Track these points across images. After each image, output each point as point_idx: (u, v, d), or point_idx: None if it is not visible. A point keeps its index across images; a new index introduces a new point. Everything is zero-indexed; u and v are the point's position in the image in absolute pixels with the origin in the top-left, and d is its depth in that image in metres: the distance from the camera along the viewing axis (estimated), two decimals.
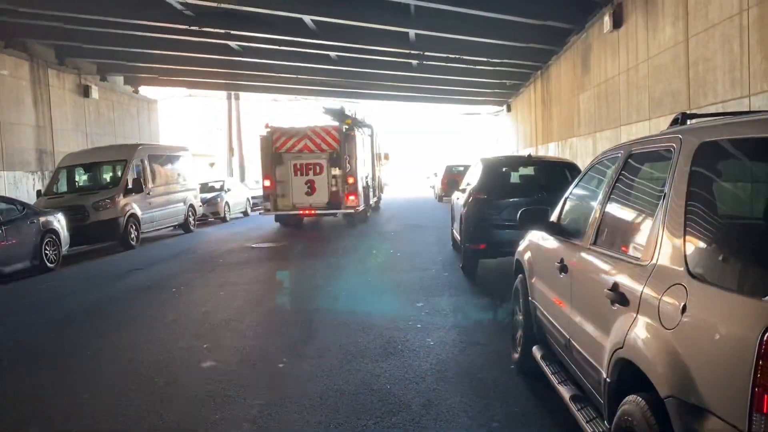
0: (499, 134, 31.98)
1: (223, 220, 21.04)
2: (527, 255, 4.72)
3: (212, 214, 20.92)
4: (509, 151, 27.06)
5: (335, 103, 18.96)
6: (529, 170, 9.81)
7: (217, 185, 22.99)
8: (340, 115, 16.01)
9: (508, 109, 26.56)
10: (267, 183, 14.73)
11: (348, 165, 14.63)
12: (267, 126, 14.64)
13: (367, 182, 16.89)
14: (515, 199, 8.23)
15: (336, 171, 14.54)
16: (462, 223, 8.74)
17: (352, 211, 14.88)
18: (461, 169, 26.98)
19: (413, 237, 13.72)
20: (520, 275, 4.84)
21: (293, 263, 10.56)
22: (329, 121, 15.83)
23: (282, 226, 16.83)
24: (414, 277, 8.80)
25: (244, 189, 24.67)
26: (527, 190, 8.46)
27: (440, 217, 18.36)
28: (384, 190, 25.71)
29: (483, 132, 59.06)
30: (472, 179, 9.49)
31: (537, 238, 4.56)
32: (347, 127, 14.63)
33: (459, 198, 9.90)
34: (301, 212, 14.91)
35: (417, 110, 38.84)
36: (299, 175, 14.59)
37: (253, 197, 25.99)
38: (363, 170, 16.20)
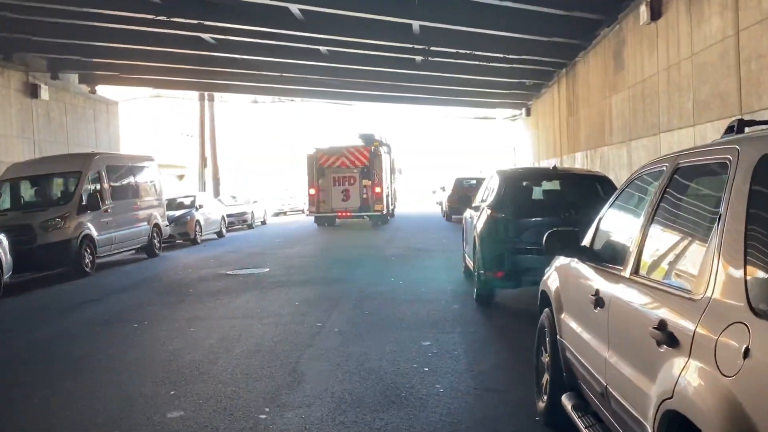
0: (517, 142, 32.18)
1: (194, 242, 21.07)
2: (555, 285, 4.69)
3: (181, 235, 20.93)
4: (529, 162, 27.18)
5: (367, 130, 28.48)
6: (554, 184, 9.83)
7: (187, 201, 23.04)
8: (370, 138, 26.12)
9: (528, 113, 26.73)
10: (312, 191, 24.21)
11: (375, 178, 23.69)
12: (314, 148, 23.83)
13: (388, 192, 26.17)
14: (538, 219, 8.25)
15: (366, 182, 23.24)
16: (476, 247, 8.73)
17: (379, 213, 24.20)
18: (473, 182, 27.03)
19: (418, 262, 13.76)
20: (546, 309, 4.82)
21: (276, 293, 10.53)
22: (360, 142, 25.76)
23: (262, 250, 17.79)
24: (419, 309, 8.78)
25: (218, 206, 24.72)
26: (552, 208, 8.49)
27: (449, 238, 18.37)
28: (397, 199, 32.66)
29: (498, 140, 59.45)
30: (487, 195, 9.50)
31: (566, 265, 4.54)
32: (375, 147, 23.71)
33: (472, 217, 9.92)
34: (339, 214, 24.14)
35: (420, 115, 39.12)
36: (337, 185, 23.63)
37: (229, 215, 26.03)
38: (386, 182, 25.40)
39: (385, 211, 25.27)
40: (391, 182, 28.47)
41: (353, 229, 24.35)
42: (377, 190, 25.14)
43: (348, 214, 25.19)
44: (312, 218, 25.14)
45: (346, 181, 25.33)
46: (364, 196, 25.15)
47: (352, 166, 25.41)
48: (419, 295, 9.88)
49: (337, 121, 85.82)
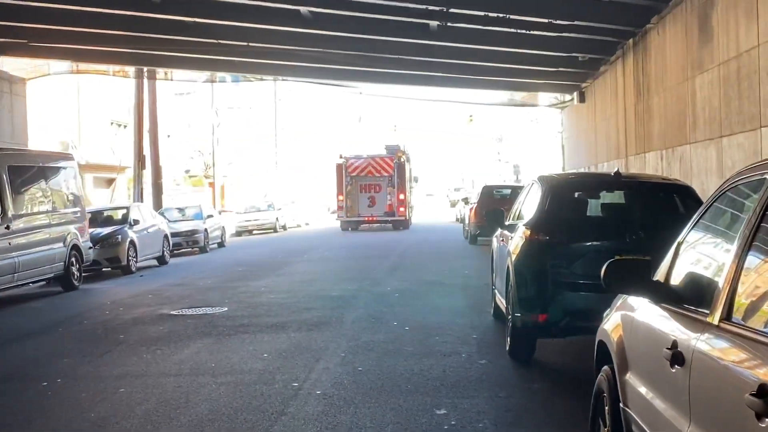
0: (567, 139, 32.31)
1: (127, 270, 21.12)
2: (617, 334, 4.69)
3: (109, 260, 20.98)
4: (582, 165, 27.25)
5: (393, 142, 42.00)
6: (616, 196, 9.84)
7: (118, 215, 23.09)
8: (394, 148, 38.35)
9: (581, 99, 26.85)
10: (340, 197, 35.75)
11: (399, 185, 35.44)
12: (341, 156, 35.04)
13: (409, 199, 37.90)
14: (595, 244, 8.28)
15: (390, 190, 34.24)
16: (509, 280, 8.74)
17: (402, 218, 35.68)
18: (507, 192, 27.12)
19: (431, 301, 13.76)
20: (606, 367, 4.82)
21: (237, 341, 10.53)
22: (385, 152, 37.80)
23: (218, 283, 17.90)
24: (432, 366, 8.78)
25: (159, 221, 24.79)
26: (615, 228, 8.52)
27: (474, 268, 18.37)
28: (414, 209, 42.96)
29: (540, 135, 59.85)
30: (525, 210, 9.51)
31: (633, 307, 4.54)
32: (399, 157, 35.87)
33: (504, 239, 9.93)
34: (366, 218, 35.39)
35: (436, 102, 39.11)
36: (363, 192, 34.71)
37: (174, 234, 26.11)
38: (408, 190, 37.57)
39: (407, 216, 38.48)
40: (410, 191, 40.03)
41: (346, 253, 24.38)
42: (401, 197, 37.41)
43: (373, 218, 37.40)
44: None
45: (372, 189, 37.36)
46: (389, 202, 37.27)
47: (378, 174, 37.38)
48: (432, 345, 9.86)
49: (333, 108, 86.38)
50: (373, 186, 37.45)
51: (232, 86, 67.51)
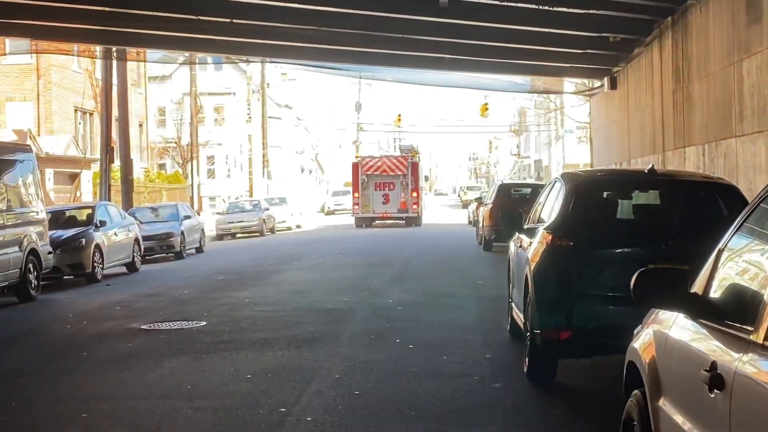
0: (596, 130, 32.29)
1: (92, 278, 21.12)
2: (649, 354, 4.69)
3: (71, 267, 20.98)
4: (613, 161, 27.22)
5: (408, 141, 63.56)
6: (651, 197, 9.84)
7: (83, 215, 23.08)
8: (409, 148, 56.91)
9: (612, 85, 26.84)
10: (356, 195, 44.20)
11: (413, 184, 44.53)
12: (357, 156, 50.66)
13: (421, 196, 46.51)
14: (626, 250, 8.29)
15: (404, 187, 43.18)
16: (528, 292, 8.74)
17: (416, 215, 44.17)
18: (526, 192, 27.11)
19: (439, 316, 13.76)
20: (636, 392, 4.82)
21: (218, 360, 10.53)
22: (398, 152, 58.09)
23: (196, 293, 17.99)
24: (440, 389, 8.78)
25: (129, 223, 24.80)
26: (648, 233, 8.54)
27: (488, 278, 18.35)
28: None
29: (565, 127, 59.78)
30: (547, 212, 9.51)
31: (667, 323, 4.54)
32: (413, 157, 47.17)
33: (523, 245, 9.95)
34: (381, 215, 43.86)
35: (445, 86, 39.04)
36: (378, 190, 43.27)
37: (146, 238, 26.12)
38: (420, 188, 47.09)
39: (419, 214, 46.19)
40: (422, 190, 48.79)
41: (342, 260, 24.38)
42: (414, 195, 45.42)
43: (387, 215, 45.22)
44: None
45: (386, 187, 44.90)
46: (403, 200, 44.91)
47: (392, 172, 45.18)
48: (439, 366, 9.87)
49: (330, 95, 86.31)
50: (387, 184, 44.88)
51: (215, 71, 67.76)
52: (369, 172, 44.82)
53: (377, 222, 45.39)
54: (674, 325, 4.42)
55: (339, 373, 9.61)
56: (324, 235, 40.91)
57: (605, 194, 9.38)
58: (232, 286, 18.68)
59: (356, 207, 45.00)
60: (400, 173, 45.08)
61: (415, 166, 46.01)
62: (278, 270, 22.18)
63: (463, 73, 29.65)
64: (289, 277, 20.39)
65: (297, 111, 78.98)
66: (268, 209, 43.66)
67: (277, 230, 44.59)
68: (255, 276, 20.80)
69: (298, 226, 49.61)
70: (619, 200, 9.51)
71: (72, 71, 41.24)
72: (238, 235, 41.30)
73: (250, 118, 61.08)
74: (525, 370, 9.05)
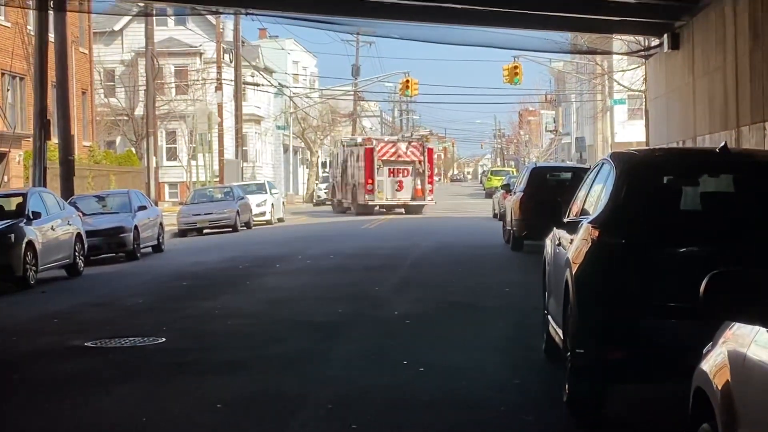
0: (653, 100, 32.21)
1: (23, 282, 21.04)
2: (722, 379, 4.66)
3: None
4: (674, 138, 27.17)
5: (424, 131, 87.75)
6: (722, 183, 9.78)
7: (11, 204, 23.01)
8: (423, 134, 70.55)
9: (673, 44, 26.81)
10: (370, 182, 51.68)
11: (428, 170, 54.30)
12: (369, 140, 54.59)
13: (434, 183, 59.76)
14: (692, 248, 8.30)
15: (418, 174, 52.44)
16: (569, 301, 8.71)
17: (433, 202, 54.97)
18: (566, 177, 27.04)
19: (455, 330, 13.74)
20: (706, 426, 4.80)
21: (179, 385, 10.51)
22: (411, 137, 60.76)
23: (153, 302, 18.20)
24: (458, 424, 8.78)
25: (70, 215, 24.75)
26: (720, 227, 8.51)
27: (518, 285, 18.35)
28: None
29: (614, 96, 59.73)
30: (592, 201, 9.47)
31: (745, 340, 4.50)
32: (426, 142, 57.07)
33: (562, 243, 9.93)
34: (395, 202, 53.08)
35: (464, 44, 38.88)
36: (391, 177, 52.16)
37: (90, 233, 26.05)
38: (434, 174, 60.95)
39: (434, 201, 55.60)
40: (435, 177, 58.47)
41: (336, 261, 24.35)
42: (429, 181, 54.05)
43: (400, 202, 53.23)
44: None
45: (400, 173, 52.70)
46: (419, 187, 52.82)
47: (406, 158, 52.93)
48: (456, 394, 9.84)
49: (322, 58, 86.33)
50: (400, 171, 52.89)
51: (176, 26, 67.75)
52: (384, 158, 52.50)
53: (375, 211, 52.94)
54: (754, 344, 4.39)
55: (331, 403, 9.59)
56: (313, 230, 40.93)
57: (665, 179, 9.33)
58: (197, 294, 18.66)
59: (369, 194, 51.96)
60: (415, 159, 53.13)
61: (430, 153, 55.02)
62: (255, 274, 22.18)
63: (488, 28, 29.58)
64: (269, 283, 20.38)
65: (279, 77, 79.02)
66: (243, 198, 43.63)
67: (255, 224, 44.61)
68: (226, 281, 20.80)
69: (281, 220, 49.65)
70: (683, 187, 9.44)
71: None
72: (205, 231, 41.29)
73: (220, 84, 61.08)
74: (564, 398, 9.01)
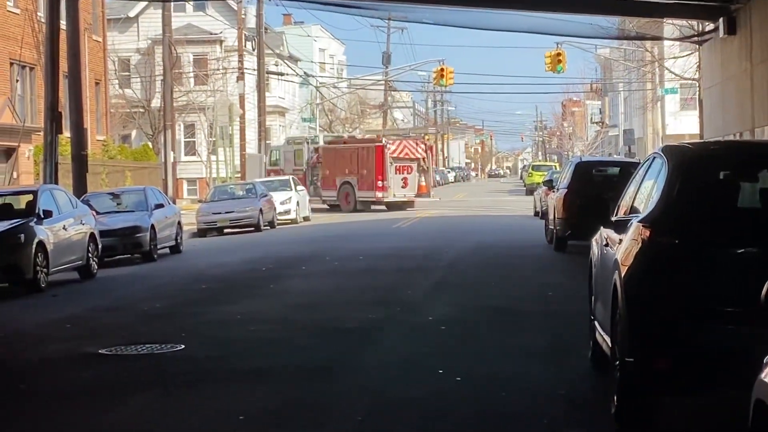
0: (707, 89, 32.02)
1: (33, 285, 21.12)
2: None
3: (5, 271, 20.99)
4: (732, 130, 27.01)
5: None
6: None
7: (21, 203, 23.09)
8: (423, 130, 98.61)
9: (729, 29, 26.67)
10: (380, 180, 56.56)
11: (431, 166, 66.56)
12: (379, 137, 62.54)
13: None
14: (751, 250, 8.23)
15: (423, 171, 59.45)
16: (618, 306, 8.66)
17: (437, 199, 67.34)
18: (613, 172, 26.96)
19: (494, 338, 13.74)
20: None
21: (200, 395, 10.51)
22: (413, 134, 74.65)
23: (171, 306, 18.20)
24: None
25: (83, 214, 24.84)
26: None
27: (560, 288, 18.34)
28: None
29: (666, 85, 59.43)
30: (642, 198, 9.42)
31: None
32: (428, 139, 74.08)
33: (609, 243, 9.89)
34: (402, 199, 58.15)
35: (502, 29, 38.83)
36: (397, 173, 57.50)
37: (105, 233, 26.13)
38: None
39: (438, 198, 65.69)
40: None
41: (366, 263, 24.35)
42: (430, 179, 61.91)
43: (405, 199, 57.74)
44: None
45: (405, 170, 57.31)
46: (423, 183, 58.93)
47: (412, 155, 57.86)
48: (497, 405, 9.82)
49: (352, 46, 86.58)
50: (406, 167, 57.38)
51: (195, 12, 67.96)
52: (394, 155, 56.95)
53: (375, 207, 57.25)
54: None
55: (362, 415, 9.57)
56: (341, 229, 40.93)
57: (722, 175, 9.26)
58: (218, 298, 18.71)
59: (381, 191, 56.16)
60: (420, 156, 58.51)
61: (431, 149, 63.19)
62: (279, 277, 22.22)
63: (528, 12, 29.52)
64: (294, 287, 20.41)
65: (305, 65, 79.18)
66: (266, 195, 43.65)
67: (279, 223, 44.65)
68: (249, 285, 20.83)
69: (306, 218, 49.73)
70: (740, 183, 9.37)
71: (7, 11, 41.44)
72: (226, 230, 41.43)
73: (241, 73, 61.28)
74: (612, 410, 8.97)
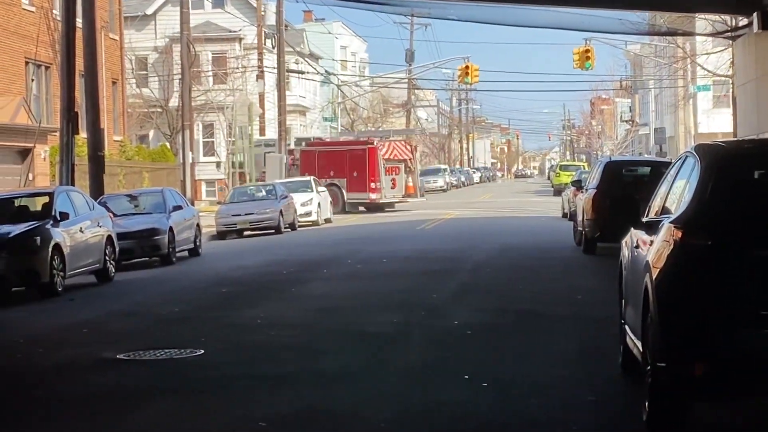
0: (741, 86, 31.87)
1: (49, 290, 21.13)
2: None
3: (20, 275, 21.02)
4: (765, 129, 26.88)
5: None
6: None
7: (37, 205, 23.15)
8: (410, 131, 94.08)
9: (764, 24, 26.54)
10: (374, 181, 58.56)
11: (417, 168, 68.01)
12: (371, 140, 61.46)
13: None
14: None
15: (410, 172, 62.50)
16: (650, 310, 8.63)
17: (424, 200, 67.89)
18: (644, 172, 26.85)
19: (521, 342, 13.75)
20: None
21: (220, 402, 10.52)
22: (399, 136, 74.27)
23: (190, 310, 18.30)
24: None
25: (100, 216, 24.88)
26: None
27: (589, 291, 18.31)
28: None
29: (698, 82, 59.22)
30: (674, 198, 9.39)
31: None
32: (412, 140, 77.89)
33: (640, 244, 9.87)
34: (392, 200, 61.25)
35: (526, 25, 38.78)
36: (387, 175, 59.94)
37: (122, 235, 26.17)
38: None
39: (424, 198, 67.14)
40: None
41: (388, 265, 24.34)
42: (417, 179, 63.68)
43: (393, 199, 60.04)
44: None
45: (393, 171, 59.78)
46: (410, 184, 61.15)
47: (400, 156, 60.61)
48: (524, 412, 9.81)
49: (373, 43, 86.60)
50: (394, 168, 60.08)
51: (214, 9, 68.09)
52: (386, 157, 59.48)
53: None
54: None
55: (385, 422, 9.55)
56: (363, 231, 40.93)
57: (756, 174, 9.18)
58: (238, 302, 18.73)
59: (374, 193, 58.09)
60: (406, 157, 61.51)
61: (415, 150, 65.59)
62: (301, 280, 22.23)
63: (556, 7, 29.46)
64: (316, 290, 20.41)
65: (326, 63, 79.20)
66: (287, 197, 43.65)
67: (300, 225, 44.67)
68: (269, 288, 20.86)
69: (328, 220, 49.69)
70: None
71: (22, 9, 41.59)
72: (246, 233, 41.46)
73: (261, 72, 61.32)
74: (644, 417, 8.93)
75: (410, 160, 61.46)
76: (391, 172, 59.68)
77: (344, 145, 61.31)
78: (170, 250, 28.62)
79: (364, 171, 57.78)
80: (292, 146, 62.18)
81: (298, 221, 44.62)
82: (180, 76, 52.68)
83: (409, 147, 63.12)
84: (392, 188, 59.80)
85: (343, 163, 57.95)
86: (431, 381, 11.33)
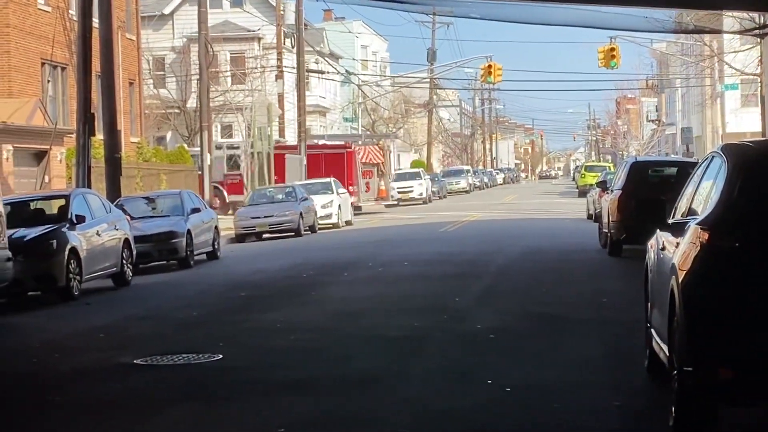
0: None
1: (66, 293, 21.15)
2: None
3: (37, 279, 21.04)
4: None
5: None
6: None
7: (53, 208, 23.19)
8: (380, 136, 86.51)
9: None
10: (351, 184, 59.21)
11: (389, 170, 76.65)
12: (348, 144, 64.21)
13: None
14: None
15: (382, 175, 70.02)
16: (676, 313, 8.61)
17: (396, 203, 74.97)
18: (670, 173, 26.79)
19: (545, 347, 13.71)
20: None
21: (241, 407, 10.52)
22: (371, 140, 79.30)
23: (208, 314, 18.44)
24: None
25: (117, 219, 24.92)
26: None
27: (614, 294, 18.28)
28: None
29: (726, 80, 59.08)
30: (701, 200, 9.36)
31: None
32: (385, 144, 78.59)
33: (666, 246, 9.83)
34: (366, 203, 66.07)
35: (551, 24, 38.75)
36: (363, 178, 64.37)
37: (139, 238, 26.23)
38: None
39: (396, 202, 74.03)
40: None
41: (410, 269, 24.31)
42: (387, 183, 70.12)
43: (369, 202, 63.78)
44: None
45: (367, 175, 63.12)
46: (382, 187, 66.65)
47: (373, 160, 64.92)
48: (549, 418, 9.76)
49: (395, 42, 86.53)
50: (368, 172, 64.09)
51: (232, 8, 68.18)
52: (363, 160, 63.18)
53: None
54: None
55: (407, 428, 9.55)
56: (384, 234, 40.90)
57: None
58: (257, 306, 18.76)
59: (352, 196, 57.69)
60: (379, 161, 66.49)
61: (388, 153, 70.79)
62: (321, 283, 22.25)
63: (580, 5, 29.42)
64: (337, 294, 20.42)
65: (346, 63, 79.23)
66: (306, 199, 43.64)
67: (320, 228, 44.64)
68: (289, 292, 20.89)
69: (349, 223, 49.69)
70: None
71: (38, 10, 41.69)
72: (265, 236, 41.47)
73: (280, 72, 61.37)
74: (671, 423, 8.91)
75: (382, 163, 65.93)
76: (365, 175, 63.04)
77: (324, 149, 62.39)
78: (188, 253, 28.65)
79: (342, 174, 58.05)
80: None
81: (319, 224, 44.59)
82: (198, 77, 52.71)
83: (381, 151, 67.38)
84: (366, 191, 62.77)
85: (319, 167, 57.98)
86: (453, 386, 11.33)
